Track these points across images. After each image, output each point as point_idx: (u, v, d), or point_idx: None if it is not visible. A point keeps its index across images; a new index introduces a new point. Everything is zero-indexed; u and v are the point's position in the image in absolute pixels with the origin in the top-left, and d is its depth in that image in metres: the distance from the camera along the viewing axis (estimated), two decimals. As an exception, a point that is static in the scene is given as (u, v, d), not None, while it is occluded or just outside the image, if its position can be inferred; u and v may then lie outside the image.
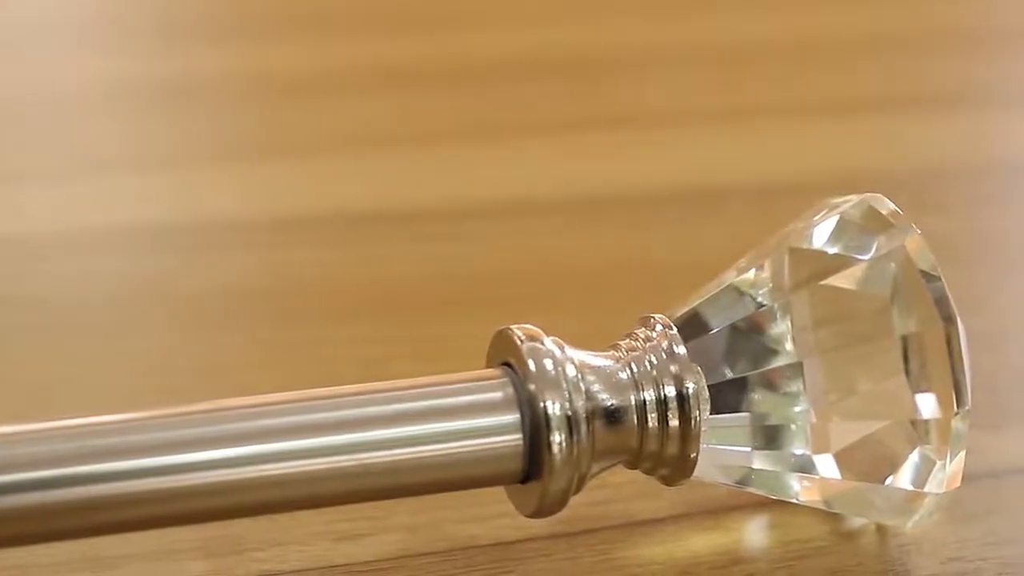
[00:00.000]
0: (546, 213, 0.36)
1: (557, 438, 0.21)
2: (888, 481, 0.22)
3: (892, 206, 0.23)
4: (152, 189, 0.38)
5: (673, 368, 0.22)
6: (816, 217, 0.23)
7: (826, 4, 0.52)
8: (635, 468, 0.22)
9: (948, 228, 0.34)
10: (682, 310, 0.23)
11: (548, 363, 0.21)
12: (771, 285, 0.22)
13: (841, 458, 0.22)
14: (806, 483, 0.23)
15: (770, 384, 0.22)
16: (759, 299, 0.22)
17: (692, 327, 0.22)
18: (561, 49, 0.48)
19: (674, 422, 0.21)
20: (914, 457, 0.22)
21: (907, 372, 0.22)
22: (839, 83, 0.45)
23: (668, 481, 0.22)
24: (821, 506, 0.23)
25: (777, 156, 0.39)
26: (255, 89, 0.45)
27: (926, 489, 0.22)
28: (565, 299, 0.31)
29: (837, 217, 0.23)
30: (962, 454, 0.22)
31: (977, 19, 0.52)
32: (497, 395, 0.21)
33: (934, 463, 0.22)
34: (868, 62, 0.47)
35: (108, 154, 0.40)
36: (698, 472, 0.22)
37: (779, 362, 0.22)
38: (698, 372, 0.22)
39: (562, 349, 0.21)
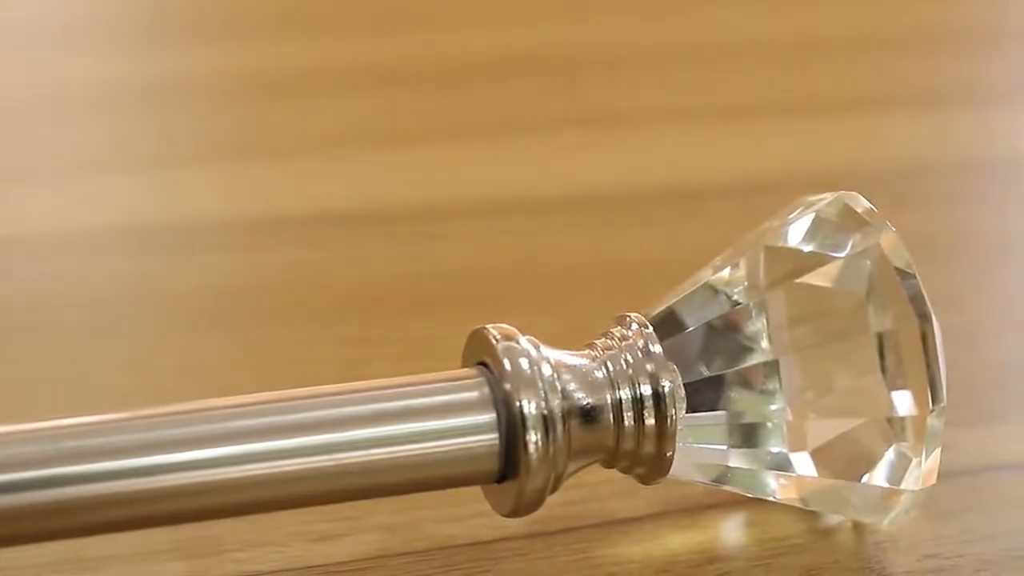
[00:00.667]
0: (525, 213, 0.36)
1: (533, 437, 0.21)
2: (864, 479, 0.22)
3: (867, 204, 0.23)
4: (138, 190, 0.38)
5: (649, 367, 0.22)
6: (791, 215, 0.23)
7: (807, 5, 0.52)
8: (612, 467, 0.22)
9: (924, 226, 0.34)
10: (658, 309, 0.23)
11: (524, 362, 0.21)
12: (747, 283, 0.22)
13: (817, 456, 0.22)
14: (783, 481, 0.23)
15: (746, 382, 0.22)
16: (735, 297, 0.22)
17: (668, 325, 0.22)
18: (543, 48, 0.48)
19: (650, 421, 0.21)
20: (890, 454, 0.22)
21: (883, 369, 0.22)
22: (817, 82, 0.45)
23: (645, 480, 0.22)
24: (798, 504, 0.23)
25: (753, 155, 0.39)
26: (241, 89, 0.45)
27: (902, 486, 0.22)
28: (543, 298, 0.31)
29: (812, 215, 0.23)
30: (938, 451, 0.22)
31: (955, 19, 0.52)
32: (473, 395, 0.21)
33: (910, 460, 0.22)
34: (846, 62, 0.47)
35: (95, 155, 0.40)
36: (675, 471, 0.22)
37: (755, 360, 0.22)
38: (674, 370, 0.22)
39: (537, 348, 0.21)
